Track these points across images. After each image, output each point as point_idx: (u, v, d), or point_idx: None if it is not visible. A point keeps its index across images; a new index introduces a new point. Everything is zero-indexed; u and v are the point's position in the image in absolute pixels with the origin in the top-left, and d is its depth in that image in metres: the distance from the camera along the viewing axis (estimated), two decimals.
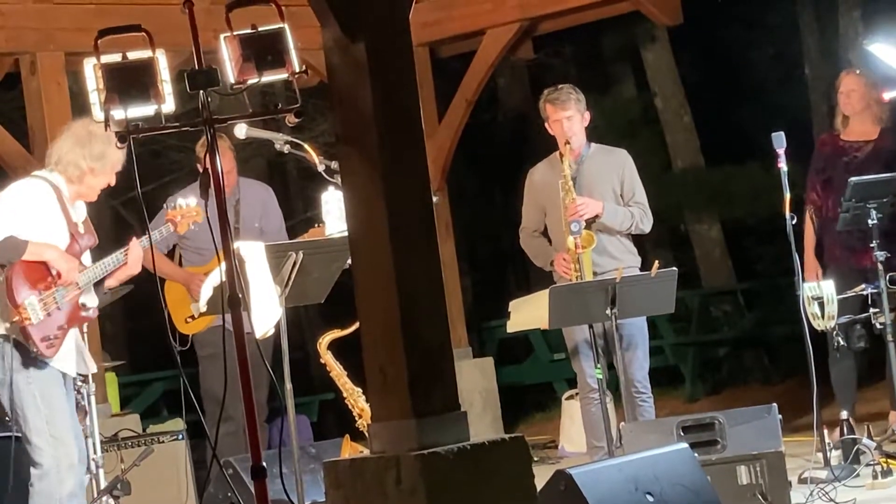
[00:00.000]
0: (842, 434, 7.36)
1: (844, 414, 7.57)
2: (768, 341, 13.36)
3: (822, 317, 7.25)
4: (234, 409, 7.33)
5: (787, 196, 7.29)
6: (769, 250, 13.76)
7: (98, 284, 6.42)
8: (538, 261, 7.84)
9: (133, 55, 4.54)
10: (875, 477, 6.84)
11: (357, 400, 6.61)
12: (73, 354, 6.29)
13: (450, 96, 10.56)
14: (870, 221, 7.40)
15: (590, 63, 16.37)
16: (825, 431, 7.36)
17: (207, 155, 4.50)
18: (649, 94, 15.13)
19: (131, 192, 12.33)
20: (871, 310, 7.39)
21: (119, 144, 4.62)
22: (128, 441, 8.13)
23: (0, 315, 6.12)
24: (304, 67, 4.60)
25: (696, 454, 5.98)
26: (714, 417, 6.73)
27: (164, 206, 7.62)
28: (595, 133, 7.94)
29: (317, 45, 4.75)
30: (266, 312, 6.14)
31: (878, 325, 7.35)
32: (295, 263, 6.18)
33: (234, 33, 4.50)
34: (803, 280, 7.47)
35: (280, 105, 4.76)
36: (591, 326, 7.17)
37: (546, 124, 7.74)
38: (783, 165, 7.32)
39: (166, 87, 4.54)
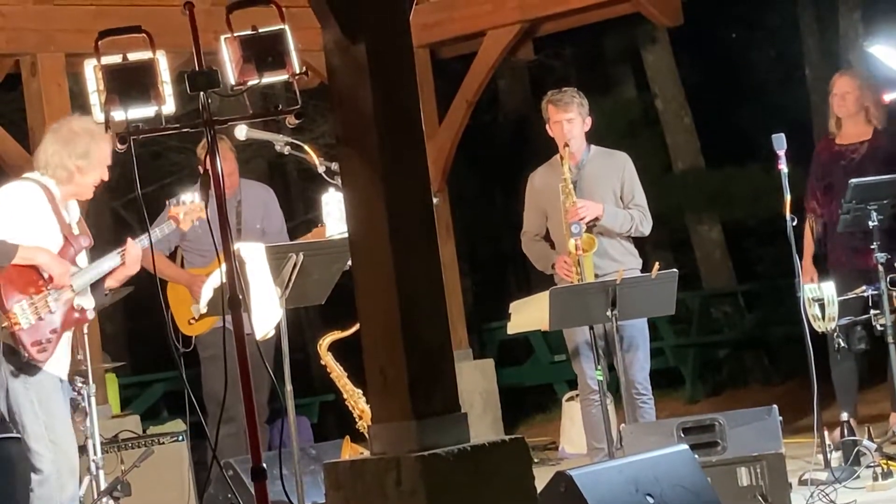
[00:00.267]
0: (842, 436, 7.36)
1: (845, 415, 7.58)
2: (769, 343, 13.34)
3: (823, 318, 7.25)
4: (234, 410, 7.33)
5: (788, 197, 7.28)
6: (769, 252, 13.76)
7: (98, 286, 6.35)
8: (540, 265, 7.83)
9: (133, 56, 4.54)
10: (875, 479, 6.84)
11: (357, 401, 6.61)
12: (68, 358, 6.24)
13: (450, 97, 10.55)
14: (870, 223, 7.39)
15: (590, 64, 16.37)
16: (825, 433, 7.35)
17: (208, 156, 4.49)
18: (650, 96, 15.13)
19: (132, 194, 12.34)
20: (872, 311, 7.38)
21: (119, 146, 4.60)
22: (128, 442, 8.12)
23: None
24: (304, 69, 4.60)
25: (696, 456, 5.97)
26: (714, 419, 6.73)
27: (167, 203, 7.61)
28: (595, 134, 7.92)
29: (317, 47, 4.74)
30: (266, 314, 6.13)
31: (879, 327, 7.34)
32: (295, 265, 6.17)
33: (235, 35, 4.50)
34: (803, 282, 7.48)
35: (280, 106, 4.74)
36: (591, 328, 7.17)
37: (547, 126, 7.74)
38: (783, 167, 7.31)
39: (167, 88, 4.54)
